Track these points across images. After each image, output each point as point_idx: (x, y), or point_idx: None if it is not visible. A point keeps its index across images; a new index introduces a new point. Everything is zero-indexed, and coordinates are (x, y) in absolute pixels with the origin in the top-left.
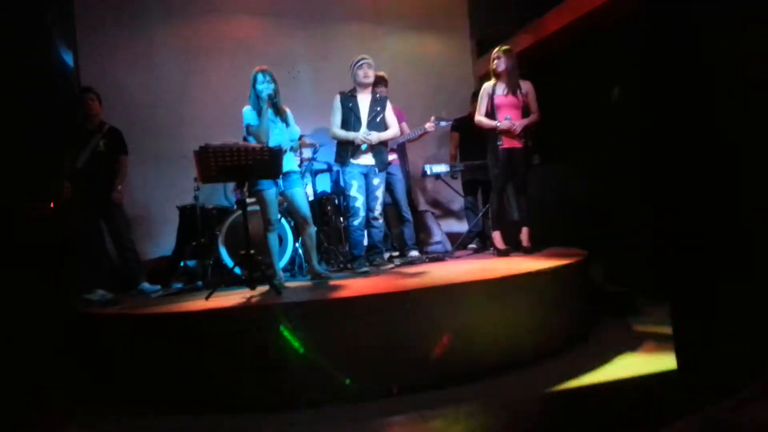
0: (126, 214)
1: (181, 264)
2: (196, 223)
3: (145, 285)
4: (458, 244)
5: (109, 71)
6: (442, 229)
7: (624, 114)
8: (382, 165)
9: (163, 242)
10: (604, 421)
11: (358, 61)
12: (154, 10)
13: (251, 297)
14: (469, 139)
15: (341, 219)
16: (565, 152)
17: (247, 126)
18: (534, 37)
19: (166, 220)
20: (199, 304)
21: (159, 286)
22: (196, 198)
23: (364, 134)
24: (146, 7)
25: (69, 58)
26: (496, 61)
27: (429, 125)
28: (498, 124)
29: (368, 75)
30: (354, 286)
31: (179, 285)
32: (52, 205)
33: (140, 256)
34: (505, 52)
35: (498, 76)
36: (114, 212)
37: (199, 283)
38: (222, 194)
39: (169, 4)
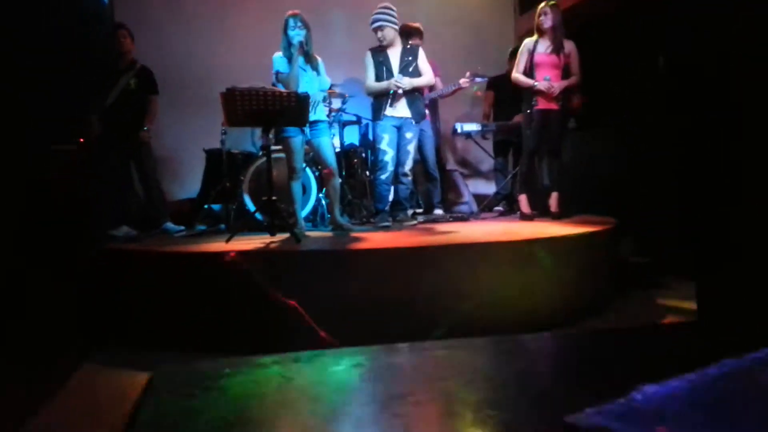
0: (153, 154)
1: (206, 207)
2: (222, 168)
3: (169, 225)
4: (484, 205)
5: (143, 11)
6: (469, 189)
7: (667, 85)
8: (419, 116)
9: (190, 184)
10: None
11: (372, 23)
12: None
13: (270, 243)
14: (505, 99)
15: (367, 173)
16: (603, 119)
17: (277, 72)
18: None
19: (193, 163)
20: (218, 245)
21: (183, 227)
22: (222, 142)
23: (395, 79)
24: None
25: None
26: (542, 17)
27: (463, 81)
28: (536, 84)
29: (382, 38)
30: (373, 239)
31: (203, 227)
32: (81, 140)
33: (166, 196)
34: (552, 7)
35: (542, 32)
36: (141, 151)
37: (222, 226)
38: (250, 139)
39: None
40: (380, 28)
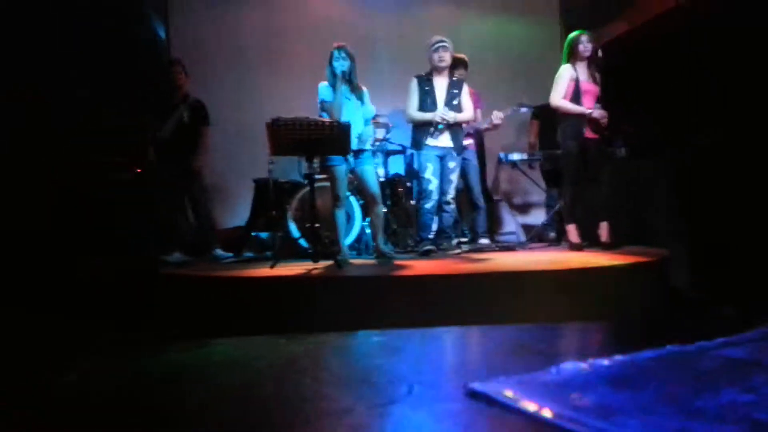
0: (205, 184)
1: (253, 234)
2: (269, 196)
3: (219, 251)
4: (532, 235)
5: (197, 47)
6: (516, 219)
7: (721, 113)
8: (460, 147)
9: (239, 212)
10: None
11: (434, 44)
12: None
13: (313, 269)
14: (550, 128)
15: (412, 202)
16: (654, 147)
17: (322, 102)
18: (629, 24)
19: (242, 192)
20: (263, 271)
21: (231, 254)
22: (270, 172)
23: (442, 113)
24: None
25: (161, 31)
26: (583, 44)
27: (496, 118)
28: (589, 112)
29: (443, 58)
30: (417, 266)
31: (250, 254)
32: (138, 170)
33: (216, 224)
34: (590, 35)
35: (581, 59)
36: (194, 181)
37: (268, 253)
38: (297, 169)
39: None
40: (444, 48)
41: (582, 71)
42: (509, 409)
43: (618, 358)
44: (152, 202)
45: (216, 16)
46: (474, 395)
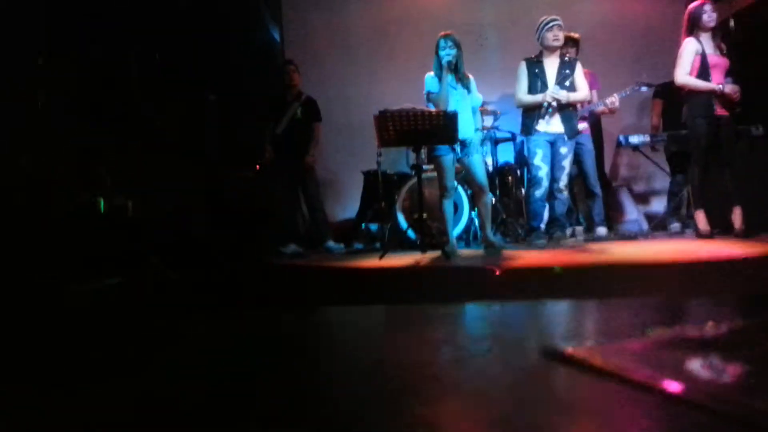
0: (317, 178)
1: (363, 226)
2: (378, 188)
3: (331, 243)
4: (656, 223)
5: (309, 47)
6: (638, 207)
7: None
8: (572, 132)
9: (349, 205)
10: None
11: (549, 23)
12: None
13: (420, 260)
14: (675, 107)
15: (522, 190)
16: None
17: (428, 93)
18: None
19: (352, 185)
20: (372, 262)
21: (342, 245)
22: (378, 164)
23: (552, 92)
24: None
25: (276, 35)
26: (707, 14)
27: (613, 101)
28: (719, 87)
29: (558, 37)
30: (527, 257)
31: (360, 246)
32: (257, 167)
33: (328, 216)
34: (715, 5)
35: (706, 30)
36: (307, 175)
37: (377, 244)
38: (405, 160)
39: None
40: (558, 26)
41: (707, 43)
42: (583, 369)
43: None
44: (270, 196)
45: (325, 16)
46: (549, 355)
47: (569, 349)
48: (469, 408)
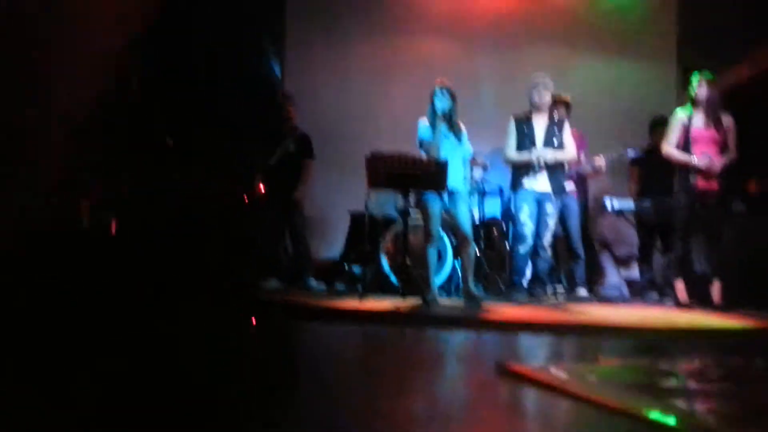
0: (304, 214)
1: (346, 267)
2: (364, 230)
3: (312, 281)
4: (636, 291)
5: (308, 81)
6: (620, 272)
7: None
8: (559, 191)
9: (335, 243)
10: None
11: (534, 83)
12: (354, 32)
13: (399, 306)
14: (651, 175)
15: (506, 245)
16: None
17: (420, 140)
18: (752, 70)
19: (339, 223)
20: (351, 304)
21: (323, 284)
22: (366, 205)
23: (538, 153)
24: (347, 28)
25: (278, 70)
26: (698, 88)
27: (599, 164)
28: (695, 160)
29: (542, 97)
30: (505, 313)
31: (341, 286)
32: (245, 198)
33: (312, 254)
34: (708, 79)
35: (696, 104)
36: (294, 210)
37: (359, 287)
38: (393, 204)
39: (368, 26)
40: (544, 86)
41: (699, 116)
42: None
43: None
44: (256, 228)
45: (326, 53)
46: (499, 370)
47: (515, 366)
48: (424, 402)
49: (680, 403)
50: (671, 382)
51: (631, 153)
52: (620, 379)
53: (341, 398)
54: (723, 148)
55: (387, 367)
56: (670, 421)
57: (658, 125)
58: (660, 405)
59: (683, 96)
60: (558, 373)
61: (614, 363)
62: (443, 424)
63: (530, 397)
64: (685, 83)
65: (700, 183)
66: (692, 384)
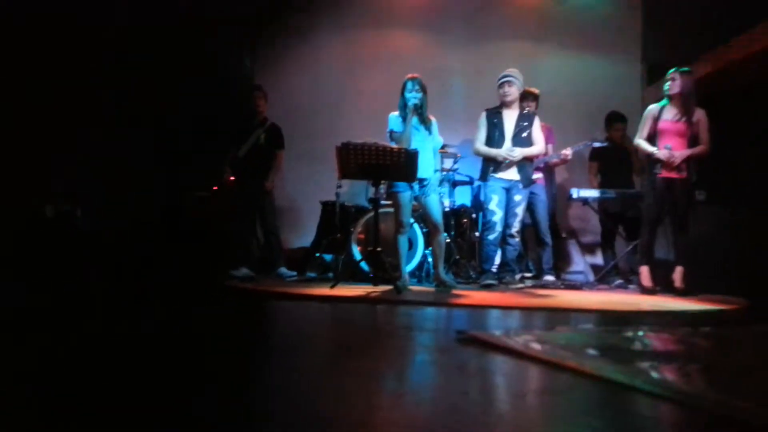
0: (275, 203)
1: (317, 255)
2: (335, 219)
3: (283, 270)
4: (600, 276)
5: (279, 74)
6: (585, 259)
7: None
8: (527, 181)
9: (306, 234)
10: None
11: (500, 79)
12: (324, 24)
13: (371, 292)
14: (609, 168)
15: (476, 233)
16: (737, 192)
17: (391, 131)
18: (714, 66)
19: (310, 214)
20: (322, 291)
21: (295, 273)
22: (337, 195)
23: (506, 151)
24: (318, 22)
25: (247, 60)
26: (670, 83)
27: (566, 153)
28: (655, 152)
29: (508, 93)
30: (474, 297)
31: (313, 274)
32: (215, 188)
33: (283, 243)
34: (682, 73)
35: (670, 98)
36: (264, 200)
37: (330, 274)
38: (364, 194)
39: (337, 20)
40: (509, 83)
41: (670, 110)
42: (489, 347)
43: None
44: (226, 218)
45: (297, 46)
46: (460, 337)
47: (474, 333)
48: (390, 366)
49: (637, 364)
50: (625, 345)
51: (596, 144)
52: (576, 343)
53: (309, 362)
54: (691, 140)
55: (354, 336)
56: (618, 376)
57: (614, 120)
58: (614, 365)
59: (648, 90)
60: (516, 339)
61: (571, 330)
62: (401, 380)
63: (485, 359)
64: (650, 78)
65: (664, 173)
66: (646, 347)
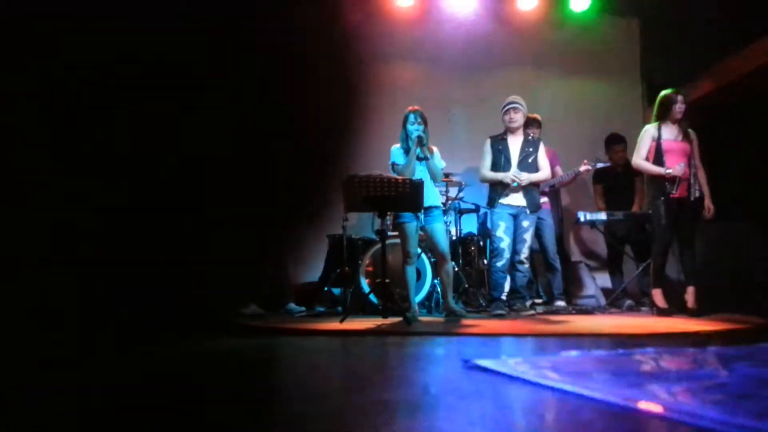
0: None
1: (326, 289)
2: (342, 252)
3: (292, 305)
4: (612, 300)
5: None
6: (596, 282)
7: None
8: (534, 206)
9: (314, 267)
10: None
11: (505, 105)
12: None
13: (381, 325)
14: (614, 190)
15: (484, 261)
16: (743, 209)
17: (393, 164)
18: (713, 84)
19: (318, 248)
20: (332, 325)
21: (304, 308)
22: (343, 228)
23: (514, 173)
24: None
25: None
26: (677, 104)
27: (583, 167)
28: (669, 171)
29: (514, 119)
30: (486, 326)
31: (321, 309)
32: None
33: (292, 278)
34: (683, 94)
35: (671, 119)
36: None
37: (339, 308)
38: (371, 226)
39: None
40: (514, 109)
41: (669, 130)
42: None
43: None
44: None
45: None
46: (466, 364)
47: (478, 361)
48: (400, 390)
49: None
50: (639, 368)
51: (600, 164)
52: (586, 368)
53: (318, 394)
54: (691, 159)
55: (361, 367)
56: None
57: (614, 142)
58: (627, 389)
59: (649, 111)
60: (525, 366)
61: (580, 355)
62: (409, 410)
63: (490, 385)
64: (650, 99)
65: (677, 193)
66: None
